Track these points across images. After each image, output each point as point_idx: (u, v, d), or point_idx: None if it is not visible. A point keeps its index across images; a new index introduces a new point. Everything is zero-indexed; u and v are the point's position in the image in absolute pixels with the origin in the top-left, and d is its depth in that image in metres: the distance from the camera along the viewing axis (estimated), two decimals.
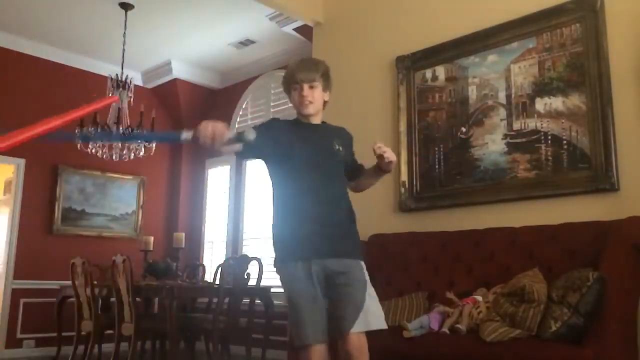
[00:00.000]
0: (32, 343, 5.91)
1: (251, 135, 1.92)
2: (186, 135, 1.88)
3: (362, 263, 2.19)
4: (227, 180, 6.82)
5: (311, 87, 2.26)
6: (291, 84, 2.28)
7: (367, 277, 2.16)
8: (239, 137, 1.92)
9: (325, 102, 2.34)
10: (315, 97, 2.26)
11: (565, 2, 3.40)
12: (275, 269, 2.22)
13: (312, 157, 2.23)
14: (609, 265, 2.63)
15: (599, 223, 2.93)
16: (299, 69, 2.28)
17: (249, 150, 2.08)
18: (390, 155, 2.22)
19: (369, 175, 2.40)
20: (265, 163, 2.30)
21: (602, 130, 3.16)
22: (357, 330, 2.06)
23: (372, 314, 2.10)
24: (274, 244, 2.24)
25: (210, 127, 1.87)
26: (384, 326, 2.12)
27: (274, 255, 2.23)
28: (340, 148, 2.30)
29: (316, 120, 2.33)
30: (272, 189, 2.29)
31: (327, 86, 2.32)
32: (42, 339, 5.90)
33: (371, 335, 2.07)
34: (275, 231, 2.24)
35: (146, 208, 7.01)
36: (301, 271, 2.12)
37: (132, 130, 5.36)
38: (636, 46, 3.15)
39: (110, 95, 5.41)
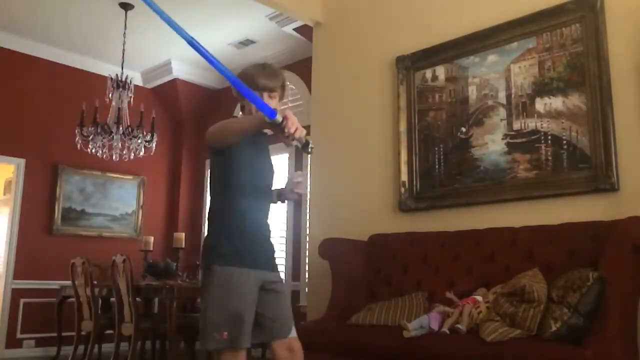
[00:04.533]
0: (32, 343, 5.91)
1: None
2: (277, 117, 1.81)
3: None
4: None
5: (270, 97, 2.19)
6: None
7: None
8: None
9: None
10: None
11: (565, 2, 3.40)
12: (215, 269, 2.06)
13: (265, 169, 2.29)
14: (609, 265, 2.62)
15: (599, 223, 2.93)
16: (261, 75, 2.19)
17: None
18: (302, 188, 2.31)
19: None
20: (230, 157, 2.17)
21: (602, 130, 3.16)
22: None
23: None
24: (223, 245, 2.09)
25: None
26: None
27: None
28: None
29: None
30: (224, 187, 2.16)
31: (282, 97, 2.28)
32: (42, 339, 5.90)
33: (371, 335, 2.07)
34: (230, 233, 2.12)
35: (146, 208, 7.01)
36: (253, 278, 2.08)
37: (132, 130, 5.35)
38: (636, 46, 3.15)
39: (110, 95, 5.42)
